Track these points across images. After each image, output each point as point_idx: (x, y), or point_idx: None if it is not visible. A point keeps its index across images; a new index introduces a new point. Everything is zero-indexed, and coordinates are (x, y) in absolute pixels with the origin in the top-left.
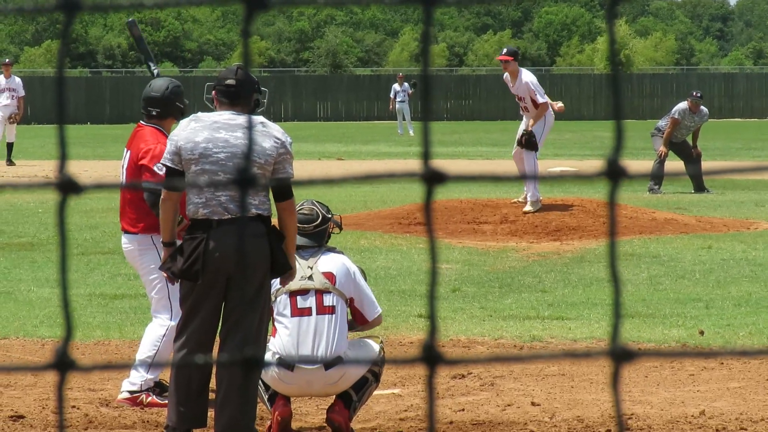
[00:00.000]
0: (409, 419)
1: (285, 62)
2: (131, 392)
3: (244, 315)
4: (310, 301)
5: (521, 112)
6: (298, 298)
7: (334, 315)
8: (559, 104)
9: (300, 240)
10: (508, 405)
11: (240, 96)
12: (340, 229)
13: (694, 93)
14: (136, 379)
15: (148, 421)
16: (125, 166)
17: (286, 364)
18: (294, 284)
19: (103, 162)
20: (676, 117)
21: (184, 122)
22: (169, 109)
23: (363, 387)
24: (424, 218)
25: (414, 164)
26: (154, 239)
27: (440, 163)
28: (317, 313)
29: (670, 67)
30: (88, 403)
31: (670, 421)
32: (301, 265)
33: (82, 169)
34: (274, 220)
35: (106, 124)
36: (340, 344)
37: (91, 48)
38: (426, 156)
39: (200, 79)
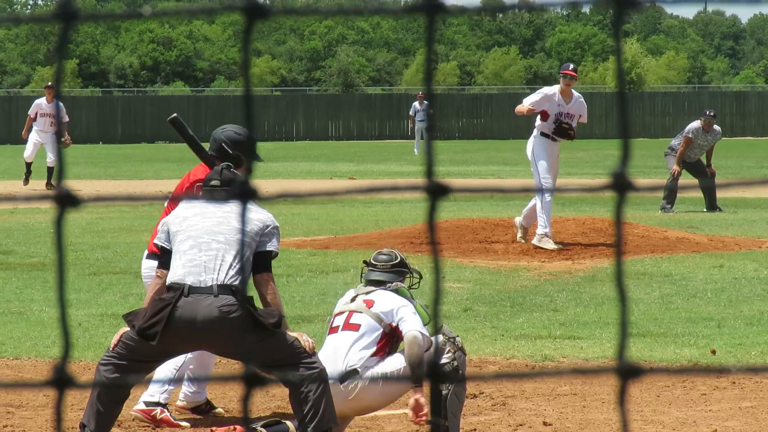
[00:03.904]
0: None
1: (297, 81)
2: (147, 403)
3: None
4: (342, 321)
5: (553, 135)
6: (336, 318)
7: (356, 332)
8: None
9: (375, 275)
10: (520, 425)
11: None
12: (420, 277)
13: (707, 112)
14: (155, 390)
15: None
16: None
17: None
18: (338, 307)
19: (114, 182)
20: (689, 136)
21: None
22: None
23: (444, 403)
24: (429, 232)
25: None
26: None
27: (448, 181)
28: (342, 329)
29: (681, 86)
30: None
31: None
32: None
33: (94, 189)
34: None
35: (118, 143)
36: (354, 358)
37: (103, 67)
38: (429, 169)
39: (212, 98)
